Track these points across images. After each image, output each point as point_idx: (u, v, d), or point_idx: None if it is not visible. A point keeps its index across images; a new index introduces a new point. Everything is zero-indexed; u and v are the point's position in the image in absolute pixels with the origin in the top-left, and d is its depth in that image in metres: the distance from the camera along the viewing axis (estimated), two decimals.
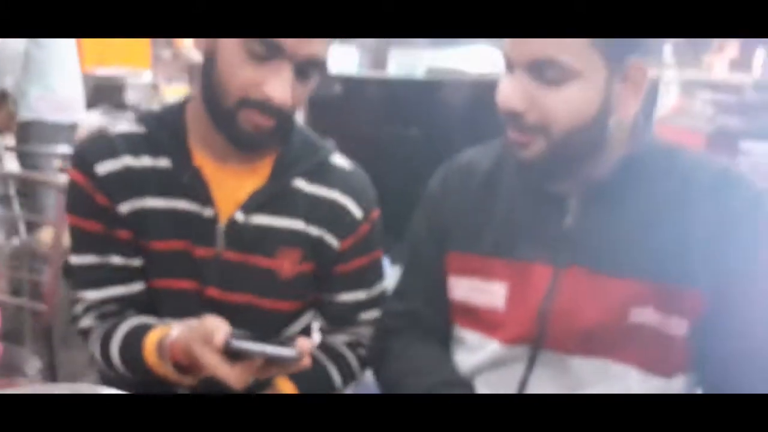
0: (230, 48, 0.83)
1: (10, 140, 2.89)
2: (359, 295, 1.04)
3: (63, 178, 1.77)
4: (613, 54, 0.77)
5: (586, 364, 0.85)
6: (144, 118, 0.96)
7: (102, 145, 0.93)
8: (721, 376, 0.82)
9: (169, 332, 0.85)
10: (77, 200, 0.95)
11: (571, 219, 0.86)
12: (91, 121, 3.18)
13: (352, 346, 1.06)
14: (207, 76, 0.87)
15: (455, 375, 0.93)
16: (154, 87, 4.29)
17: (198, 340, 0.78)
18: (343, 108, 2.00)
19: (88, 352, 0.99)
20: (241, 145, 0.91)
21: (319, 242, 0.98)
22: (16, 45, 2.70)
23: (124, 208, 0.94)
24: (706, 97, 2.96)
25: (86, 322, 0.98)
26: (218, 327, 0.77)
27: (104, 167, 0.92)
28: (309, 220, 0.97)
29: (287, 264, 0.96)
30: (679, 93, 3.56)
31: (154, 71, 4.82)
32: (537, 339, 0.86)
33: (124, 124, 0.97)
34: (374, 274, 1.06)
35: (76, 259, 0.96)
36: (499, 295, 0.88)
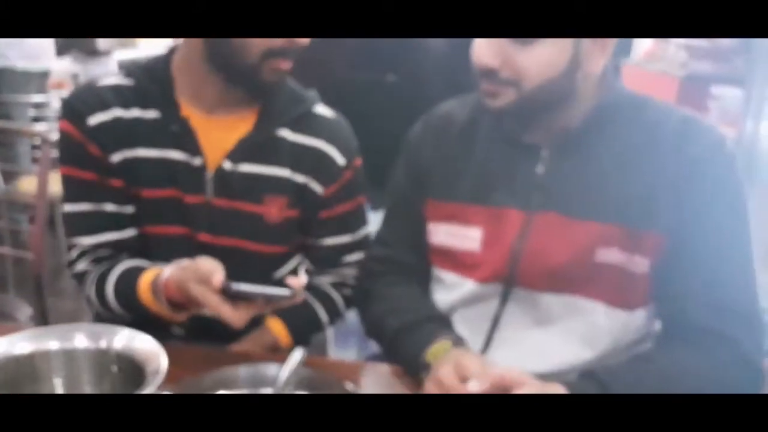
0: None
1: None
2: (344, 239, 1.08)
3: (39, 128, 1.77)
4: None
5: (555, 300, 0.90)
6: (132, 71, 0.98)
7: (92, 97, 0.96)
8: (678, 309, 0.87)
9: (162, 272, 0.89)
10: (70, 151, 0.98)
11: (543, 167, 0.91)
12: (61, 67, 3.12)
13: (337, 286, 1.11)
14: (212, 44, 0.90)
15: (433, 311, 0.97)
16: None
17: (195, 280, 0.82)
18: (320, 55, 2.00)
19: (83, 296, 1.04)
20: (263, 93, 0.96)
21: (304, 189, 1.02)
22: None
23: (116, 157, 0.96)
24: (680, 43, 2.98)
25: (81, 266, 1.01)
26: (215, 268, 0.82)
27: (95, 119, 0.95)
28: (294, 168, 1.00)
29: (274, 210, 1.00)
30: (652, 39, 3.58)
31: None
32: (509, 278, 0.91)
33: (112, 78, 0.99)
34: (358, 218, 1.10)
35: (69, 207, 1.00)
36: (475, 238, 0.93)
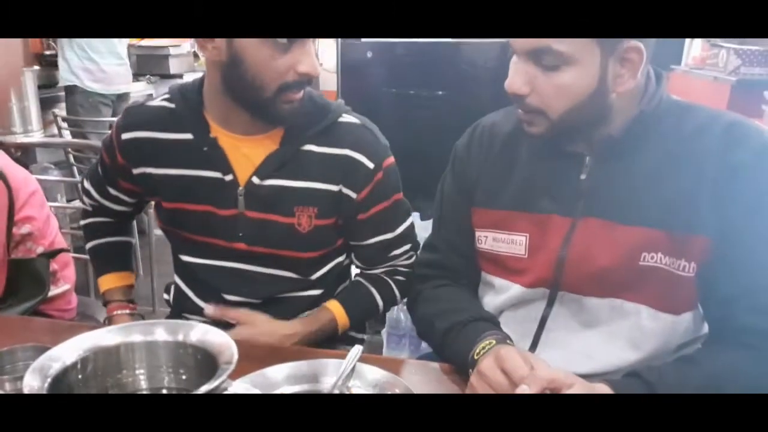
0: (252, 48, 0.90)
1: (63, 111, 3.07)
2: (385, 237, 1.12)
3: None
4: (607, 40, 0.82)
5: (600, 303, 0.92)
6: (173, 94, 1.07)
7: (136, 116, 1.08)
8: (725, 312, 0.87)
9: (117, 307, 1.23)
10: (108, 144, 1.13)
11: (586, 174, 0.93)
12: (137, 90, 3.36)
13: (390, 273, 1.16)
14: (234, 78, 0.94)
15: (480, 311, 1.00)
16: (195, 56, 4.41)
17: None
18: (374, 72, 2.08)
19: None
20: (278, 122, 1.01)
21: (338, 196, 1.06)
22: None
23: (137, 171, 1.09)
24: (731, 48, 2.92)
25: (88, 220, 1.29)
26: None
27: (128, 135, 1.07)
28: (324, 179, 1.04)
29: (304, 220, 1.05)
30: (703, 44, 3.50)
31: (193, 41, 4.93)
32: (555, 282, 0.94)
33: (159, 99, 1.09)
34: (396, 215, 1.13)
35: (90, 172, 1.23)
36: (521, 244, 0.96)
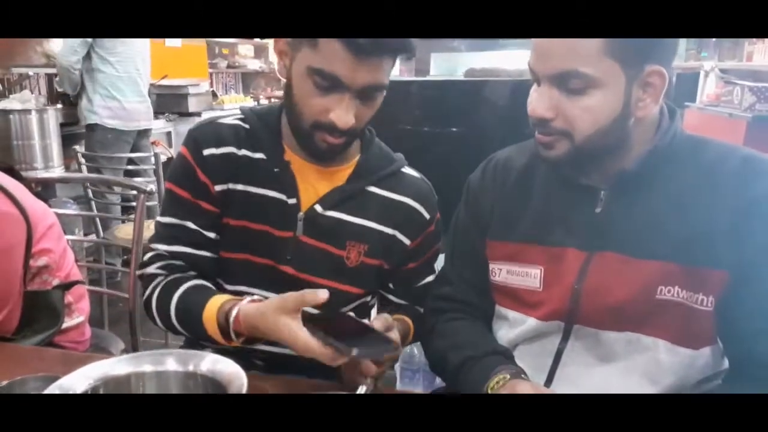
0: (299, 78, 0.95)
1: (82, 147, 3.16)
2: (429, 279, 1.19)
3: (137, 180, 1.95)
4: (631, 63, 0.83)
5: (617, 337, 0.91)
6: (248, 116, 1.09)
7: (211, 132, 1.07)
8: (745, 348, 0.87)
9: (231, 300, 0.95)
10: (180, 172, 1.07)
11: (601, 208, 0.93)
12: (156, 127, 3.45)
13: (415, 302, 1.20)
14: (288, 99, 1.00)
15: (494, 345, 0.99)
16: (213, 95, 4.53)
17: (282, 311, 0.86)
18: (387, 109, 2.11)
19: (143, 301, 1.08)
20: (317, 158, 1.05)
21: (390, 240, 1.10)
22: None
23: (219, 188, 1.06)
24: (746, 85, 2.93)
25: (151, 269, 1.08)
26: (314, 294, 0.84)
27: (209, 151, 1.06)
28: (381, 220, 1.09)
29: (353, 255, 1.08)
30: (717, 82, 3.53)
31: (212, 81, 5.09)
32: (570, 316, 0.93)
33: (231, 118, 1.10)
34: (435, 261, 1.20)
35: (161, 219, 1.10)
36: (535, 277, 0.96)
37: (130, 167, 3.11)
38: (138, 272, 1.12)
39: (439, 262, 1.20)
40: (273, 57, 6.66)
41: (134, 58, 3.23)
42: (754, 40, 3.27)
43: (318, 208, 1.06)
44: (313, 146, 1.01)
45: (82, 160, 2.82)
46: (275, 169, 1.06)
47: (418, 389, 1.81)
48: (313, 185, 1.08)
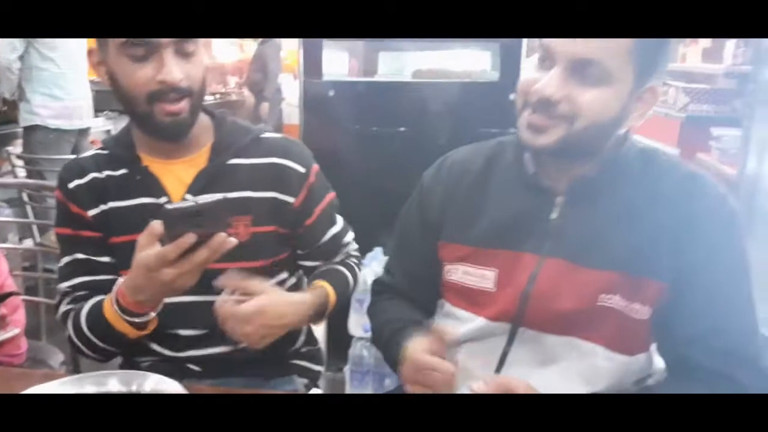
0: (117, 64, 0.98)
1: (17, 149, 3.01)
2: (333, 231, 1.20)
3: None
4: (641, 74, 0.86)
5: (558, 341, 0.94)
6: (106, 142, 1.13)
7: (74, 167, 1.12)
8: (682, 354, 0.90)
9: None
10: (58, 213, 1.12)
11: (557, 214, 0.95)
12: (95, 126, 3.31)
13: (344, 260, 1.23)
14: (119, 96, 1.02)
15: (421, 318, 1.04)
16: None
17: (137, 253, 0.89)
18: (337, 110, 2.11)
19: (68, 341, 1.10)
20: (168, 136, 1.04)
21: (273, 203, 1.10)
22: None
23: (92, 212, 1.09)
24: (680, 86, 3.04)
25: (62, 308, 1.11)
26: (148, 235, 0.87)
27: (74, 183, 1.10)
28: (256, 187, 1.10)
29: (241, 228, 1.07)
30: None
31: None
32: (517, 318, 0.95)
33: (91, 151, 1.15)
34: (333, 210, 1.21)
35: (59, 264, 1.13)
36: (490, 278, 0.98)
37: None
38: (57, 318, 1.13)
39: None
40: (216, 50, 6.53)
41: (75, 54, 3.09)
42: (688, 41, 3.39)
43: (189, 197, 1.07)
44: (158, 125, 1.01)
45: (17, 162, 2.69)
46: (137, 177, 1.08)
47: (368, 391, 1.83)
48: (178, 178, 1.09)
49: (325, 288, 1.12)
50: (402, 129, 2.12)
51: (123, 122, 3.81)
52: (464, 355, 1.01)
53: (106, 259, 1.10)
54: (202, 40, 1.02)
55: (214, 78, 6.50)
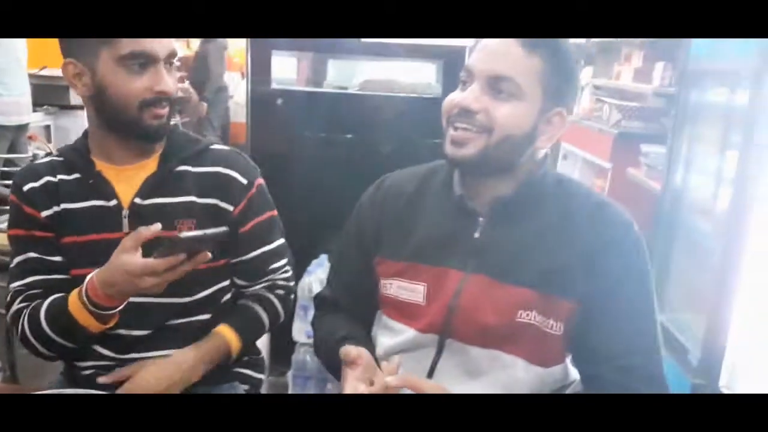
0: (111, 75, 1.04)
1: None
2: (264, 249, 1.22)
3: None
4: (549, 97, 0.95)
5: (483, 353, 1.00)
6: (62, 150, 1.18)
7: (29, 172, 1.16)
8: (593, 370, 0.99)
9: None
10: (11, 214, 1.16)
11: (479, 233, 1.02)
12: (34, 121, 3.21)
13: (271, 288, 1.24)
14: (102, 106, 1.08)
15: (357, 332, 1.09)
16: None
17: (117, 255, 0.97)
18: (285, 118, 2.14)
19: (17, 336, 1.13)
20: (153, 138, 1.12)
21: (214, 209, 1.15)
22: None
23: (45, 213, 1.13)
24: (614, 103, 3.19)
25: (15, 307, 1.13)
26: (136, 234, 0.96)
27: (28, 186, 1.14)
28: (199, 193, 1.15)
29: (185, 231, 1.11)
30: (590, 97, 3.81)
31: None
32: (444, 330, 1.01)
33: (47, 157, 1.19)
34: (273, 230, 1.24)
35: (11, 264, 1.16)
36: (420, 293, 1.04)
37: (5, 169, 2.90)
38: (8, 318, 1.15)
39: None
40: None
41: (17, 49, 3.00)
42: (622, 60, 3.55)
43: (137, 200, 1.12)
44: (146, 128, 1.09)
45: None
46: (90, 181, 1.13)
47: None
48: (128, 183, 1.13)
49: (222, 336, 1.15)
50: (349, 136, 2.17)
51: (63, 117, 3.70)
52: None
53: (57, 258, 1.13)
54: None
55: None
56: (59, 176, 1.14)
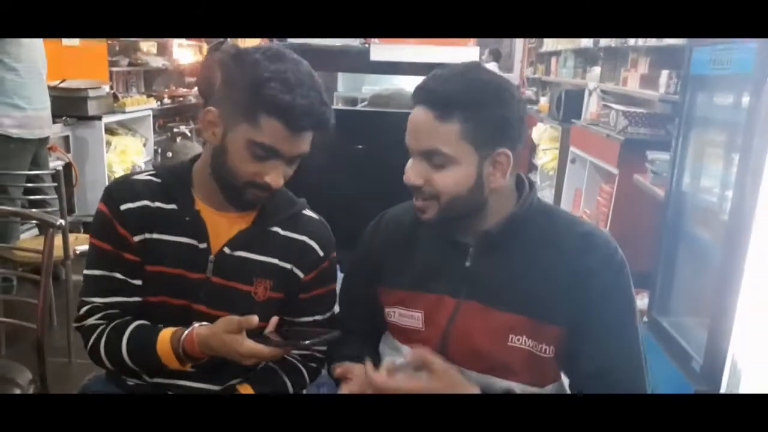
0: (237, 147, 1.07)
1: None
2: (316, 318, 1.26)
3: (44, 214, 1.90)
4: (483, 146, 1.00)
5: (477, 377, 1.05)
6: (160, 171, 1.20)
7: (127, 188, 1.18)
8: (579, 385, 1.06)
9: (180, 330, 1.09)
10: (101, 226, 1.17)
11: (470, 262, 1.08)
12: (53, 132, 3.29)
13: (307, 359, 1.28)
14: (218, 161, 1.11)
15: (351, 347, 1.16)
16: (114, 97, 4.37)
17: (226, 331, 1.04)
18: None
19: (86, 350, 1.16)
20: (243, 207, 1.17)
21: (289, 274, 1.20)
22: None
23: (138, 238, 1.16)
24: (621, 109, 3.19)
25: (91, 321, 1.17)
26: (245, 318, 1.03)
27: (126, 206, 1.16)
28: (281, 257, 1.20)
29: (261, 290, 1.18)
30: (598, 102, 3.81)
31: (112, 78, 4.89)
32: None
33: (144, 174, 1.21)
34: (329, 301, 1.29)
35: (88, 271, 1.18)
36: (418, 319, 1.12)
37: (29, 185, 2.99)
38: (76, 325, 1.20)
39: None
40: (177, 53, 6.49)
41: (37, 63, 3.08)
42: (629, 65, 3.56)
43: (226, 250, 1.17)
44: (241, 200, 1.14)
45: None
46: (186, 218, 1.16)
47: None
48: (221, 230, 1.18)
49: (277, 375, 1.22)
50: (360, 146, 2.22)
51: (81, 128, 3.75)
52: None
53: (138, 282, 1.18)
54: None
55: (173, 80, 6.48)
56: (157, 203, 1.17)
